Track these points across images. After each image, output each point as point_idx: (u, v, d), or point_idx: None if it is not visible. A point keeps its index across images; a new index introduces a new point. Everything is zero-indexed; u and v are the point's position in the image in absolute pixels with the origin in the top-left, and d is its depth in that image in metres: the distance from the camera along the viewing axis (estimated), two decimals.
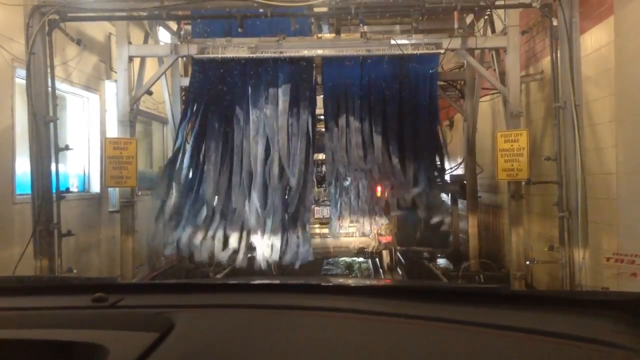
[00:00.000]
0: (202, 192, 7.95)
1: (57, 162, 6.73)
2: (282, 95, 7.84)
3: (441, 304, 1.55)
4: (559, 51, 6.78)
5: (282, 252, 7.91)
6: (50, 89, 6.73)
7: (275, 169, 7.83)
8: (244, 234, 7.96)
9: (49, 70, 6.73)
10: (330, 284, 2.15)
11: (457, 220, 11.06)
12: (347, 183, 8.03)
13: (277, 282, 2.46)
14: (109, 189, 8.30)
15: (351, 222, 8.26)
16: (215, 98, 8.04)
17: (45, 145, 6.57)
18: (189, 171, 8.06)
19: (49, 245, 6.59)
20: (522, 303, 1.57)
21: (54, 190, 6.70)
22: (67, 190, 6.92)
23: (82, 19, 7.21)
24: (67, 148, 6.89)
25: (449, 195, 10.72)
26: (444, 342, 1.27)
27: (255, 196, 7.82)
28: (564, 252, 6.62)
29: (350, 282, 2.88)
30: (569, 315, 1.44)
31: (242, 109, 7.95)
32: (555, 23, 6.64)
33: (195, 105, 8.12)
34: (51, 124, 6.65)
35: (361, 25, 7.18)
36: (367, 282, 4.09)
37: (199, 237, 7.97)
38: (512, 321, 1.36)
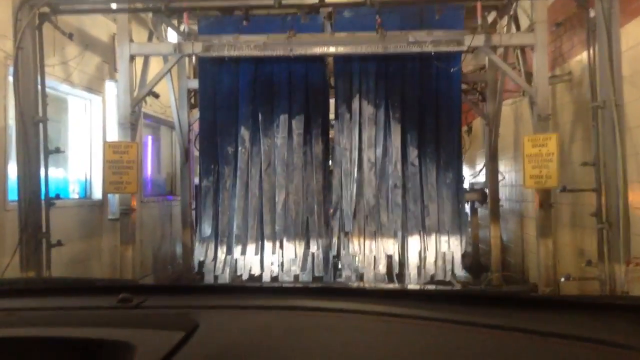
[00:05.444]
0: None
1: (46, 166, 5.99)
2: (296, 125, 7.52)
3: (463, 307, 1.51)
4: (596, 45, 5.90)
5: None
6: (40, 87, 5.98)
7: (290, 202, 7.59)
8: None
9: (39, 67, 5.98)
10: (354, 288, 2.24)
11: (476, 230, 10.19)
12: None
13: (300, 285, 2.42)
14: (109, 195, 7.53)
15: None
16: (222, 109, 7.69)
17: (34, 147, 5.83)
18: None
19: (37, 256, 5.82)
20: (542, 307, 1.52)
21: (43, 197, 5.93)
22: (57, 196, 6.18)
23: (74, 12, 6.49)
24: (57, 151, 6.17)
25: (469, 203, 9.93)
26: (467, 345, 1.23)
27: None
28: (603, 268, 5.71)
29: (373, 286, 2.97)
30: (591, 319, 1.40)
31: (250, 130, 7.63)
32: (592, 14, 5.76)
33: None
34: (41, 125, 5.88)
35: (377, 17, 6.36)
36: (389, 286, 4.23)
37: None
38: (532, 325, 1.31)
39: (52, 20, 6.00)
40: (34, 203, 5.81)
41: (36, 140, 5.86)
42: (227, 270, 7.56)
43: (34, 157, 5.83)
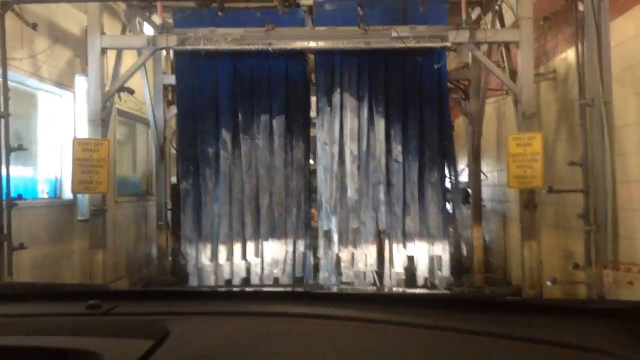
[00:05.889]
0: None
1: (7, 164, 5.55)
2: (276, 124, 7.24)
3: (441, 311, 1.44)
4: (585, 41, 5.63)
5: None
6: (1, 80, 5.54)
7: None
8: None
9: (1, 59, 5.54)
10: (327, 292, 2.19)
11: (458, 230, 9.90)
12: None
13: (272, 290, 2.35)
14: (79, 195, 7.08)
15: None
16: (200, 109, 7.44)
17: None
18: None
19: None
20: (519, 312, 1.46)
21: (4, 197, 5.49)
22: (20, 196, 5.71)
23: (39, 1, 6.00)
24: (20, 148, 5.73)
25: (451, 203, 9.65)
26: (444, 351, 1.20)
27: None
28: (590, 272, 5.45)
29: (347, 290, 2.89)
30: (568, 323, 1.35)
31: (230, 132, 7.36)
32: (581, 8, 5.50)
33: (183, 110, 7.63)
34: (2, 121, 5.45)
35: (359, 10, 6.04)
36: (364, 290, 4.07)
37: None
38: (508, 330, 1.27)
39: (15, 9, 5.54)
40: None
41: None
42: (212, 275, 7.30)
43: None
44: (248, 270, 7.36)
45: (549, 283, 5.87)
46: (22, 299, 1.70)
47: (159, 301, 1.67)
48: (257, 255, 7.31)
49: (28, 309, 1.56)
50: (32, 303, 1.64)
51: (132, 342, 1.23)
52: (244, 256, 7.32)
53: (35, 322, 1.44)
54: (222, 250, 7.31)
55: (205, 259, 7.34)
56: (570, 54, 6.70)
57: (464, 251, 8.74)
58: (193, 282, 7.37)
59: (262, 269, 7.31)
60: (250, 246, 7.32)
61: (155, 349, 1.17)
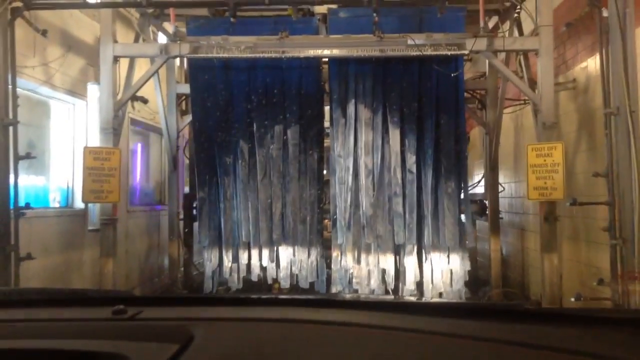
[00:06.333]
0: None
1: (16, 173, 5.39)
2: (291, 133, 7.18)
3: (460, 319, 1.44)
4: (609, 48, 5.37)
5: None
6: (11, 87, 5.39)
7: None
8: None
9: (10, 66, 5.40)
10: (349, 300, 2.19)
11: (475, 243, 9.60)
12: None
13: (295, 297, 2.35)
14: (90, 204, 6.92)
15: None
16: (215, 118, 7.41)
17: (3, 152, 5.23)
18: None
19: (4, 271, 5.20)
20: (537, 320, 1.44)
21: (12, 206, 5.33)
22: (28, 205, 5.55)
23: (49, 7, 5.88)
24: (28, 156, 5.57)
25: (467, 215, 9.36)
26: (459, 356, 1.20)
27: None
28: (616, 287, 5.15)
29: (367, 297, 2.77)
30: (586, 331, 1.34)
31: (246, 141, 7.34)
32: (605, 14, 5.24)
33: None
34: (10, 129, 5.29)
35: (375, 16, 5.83)
36: (384, 298, 3.99)
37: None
38: (527, 338, 1.27)
39: (25, 16, 5.42)
40: (2, 213, 5.20)
41: (5, 144, 5.26)
42: (235, 277, 7.34)
43: (3, 163, 5.23)
44: (264, 278, 7.30)
45: (573, 299, 5.56)
46: (50, 303, 1.73)
47: (183, 307, 1.69)
48: (272, 261, 7.25)
49: (56, 314, 1.59)
50: (59, 308, 1.67)
51: (158, 345, 1.25)
52: (259, 263, 7.26)
53: (64, 326, 1.46)
54: (237, 259, 7.29)
55: (219, 266, 7.31)
56: (591, 63, 6.44)
57: (481, 264, 8.46)
58: (207, 289, 7.32)
59: (277, 275, 7.19)
60: (265, 254, 7.24)
61: (182, 352, 1.19)
